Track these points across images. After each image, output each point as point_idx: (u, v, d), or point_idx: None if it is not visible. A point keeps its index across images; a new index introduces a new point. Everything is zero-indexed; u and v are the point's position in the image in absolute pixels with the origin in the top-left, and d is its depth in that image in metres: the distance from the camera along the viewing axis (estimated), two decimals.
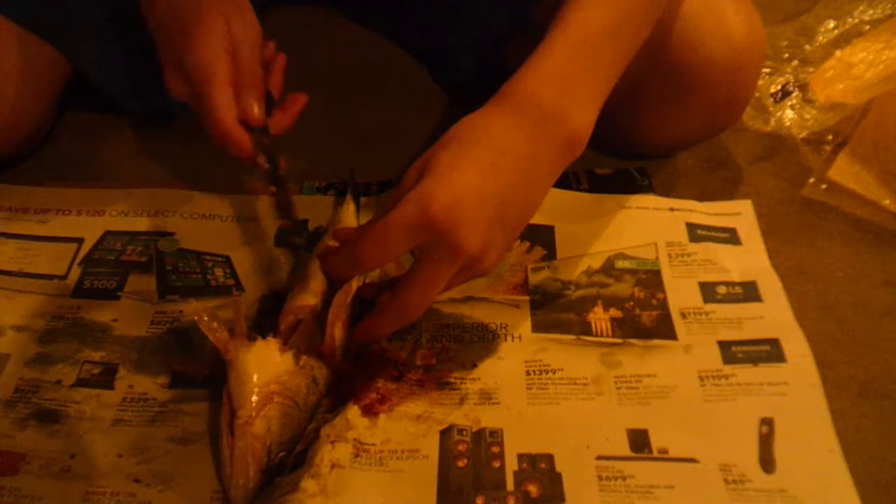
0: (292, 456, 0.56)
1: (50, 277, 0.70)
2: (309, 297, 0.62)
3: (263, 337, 0.58)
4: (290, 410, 0.56)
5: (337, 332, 0.60)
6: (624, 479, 0.55)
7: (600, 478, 0.55)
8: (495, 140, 0.57)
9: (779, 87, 0.87)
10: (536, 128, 0.58)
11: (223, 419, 0.55)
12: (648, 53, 0.70)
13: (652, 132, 0.79)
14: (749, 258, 0.71)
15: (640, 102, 0.76)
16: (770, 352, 0.63)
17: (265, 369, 0.56)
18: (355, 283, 0.60)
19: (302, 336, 0.59)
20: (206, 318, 0.57)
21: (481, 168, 0.56)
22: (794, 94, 0.86)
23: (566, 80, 0.59)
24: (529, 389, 0.61)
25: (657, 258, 0.71)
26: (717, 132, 0.81)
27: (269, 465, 0.54)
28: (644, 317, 0.66)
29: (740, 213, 0.75)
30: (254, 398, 0.54)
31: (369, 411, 0.60)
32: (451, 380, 0.62)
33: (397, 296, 0.58)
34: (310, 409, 0.58)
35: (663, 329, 0.65)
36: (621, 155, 0.82)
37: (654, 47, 0.70)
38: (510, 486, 0.55)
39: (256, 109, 0.65)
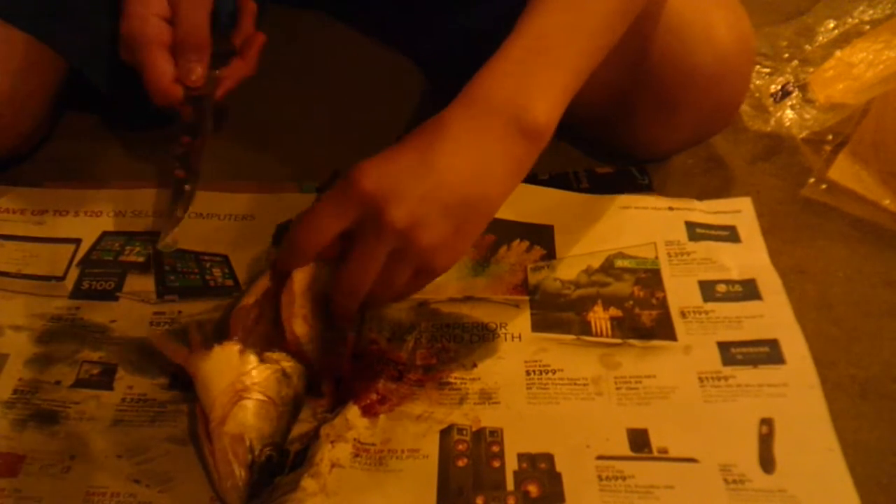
0: (291, 455, 0.57)
1: (48, 278, 0.70)
2: (249, 298, 0.62)
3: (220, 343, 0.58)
4: (265, 405, 0.56)
5: (297, 327, 0.60)
6: (624, 478, 0.55)
7: (600, 478, 0.55)
8: (441, 128, 0.57)
9: (779, 87, 0.87)
10: (489, 118, 0.57)
11: (200, 430, 0.56)
12: (633, 64, 0.70)
13: (643, 138, 0.79)
14: (749, 256, 0.71)
15: (629, 111, 0.76)
16: (769, 353, 0.63)
17: (226, 371, 0.57)
18: (297, 276, 0.60)
19: (256, 336, 0.59)
20: (162, 339, 0.58)
21: (419, 147, 0.56)
22: (794, 94, 0.86)
23: (522, 75, 0.58)
24: (529, 389, 0.61)
25: (656, 257, 0.71)
26: (708, 137, 0.81)
27: (255, 461, 0.54)
28: (644, 316, 0.66)
29: (740, 211, 0.75)
30: (221, 400, 0.55)
31: (369, 411, 0.60)
32: (451, 380, 0.62)
33: (340, 270, 0.58)
34: (288, 401, 0.58)
35: (663, 329, 0.65)
36: (619, 159, 0.82)
37: (639, 58, 0.70)
38: (510, 485, 0.55)
39: (199, 71, 0.66)
